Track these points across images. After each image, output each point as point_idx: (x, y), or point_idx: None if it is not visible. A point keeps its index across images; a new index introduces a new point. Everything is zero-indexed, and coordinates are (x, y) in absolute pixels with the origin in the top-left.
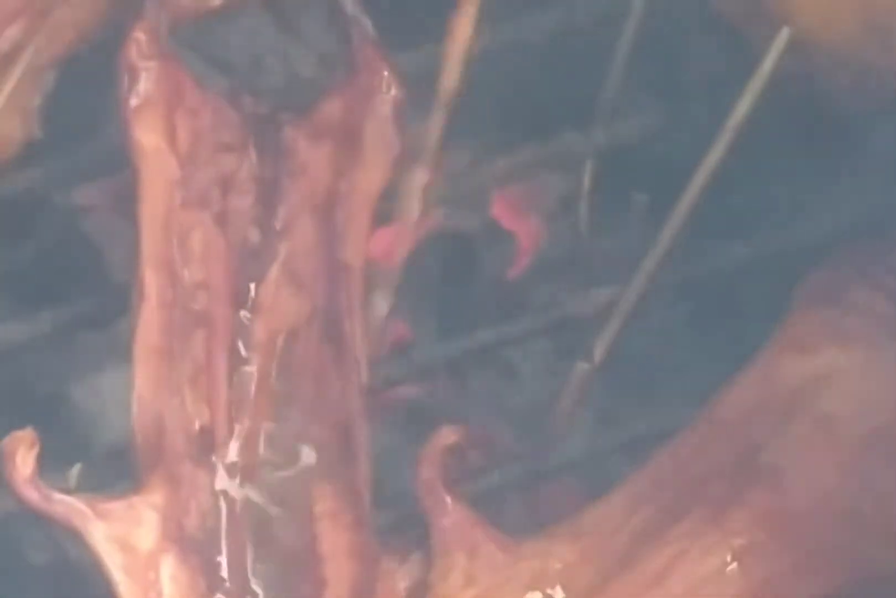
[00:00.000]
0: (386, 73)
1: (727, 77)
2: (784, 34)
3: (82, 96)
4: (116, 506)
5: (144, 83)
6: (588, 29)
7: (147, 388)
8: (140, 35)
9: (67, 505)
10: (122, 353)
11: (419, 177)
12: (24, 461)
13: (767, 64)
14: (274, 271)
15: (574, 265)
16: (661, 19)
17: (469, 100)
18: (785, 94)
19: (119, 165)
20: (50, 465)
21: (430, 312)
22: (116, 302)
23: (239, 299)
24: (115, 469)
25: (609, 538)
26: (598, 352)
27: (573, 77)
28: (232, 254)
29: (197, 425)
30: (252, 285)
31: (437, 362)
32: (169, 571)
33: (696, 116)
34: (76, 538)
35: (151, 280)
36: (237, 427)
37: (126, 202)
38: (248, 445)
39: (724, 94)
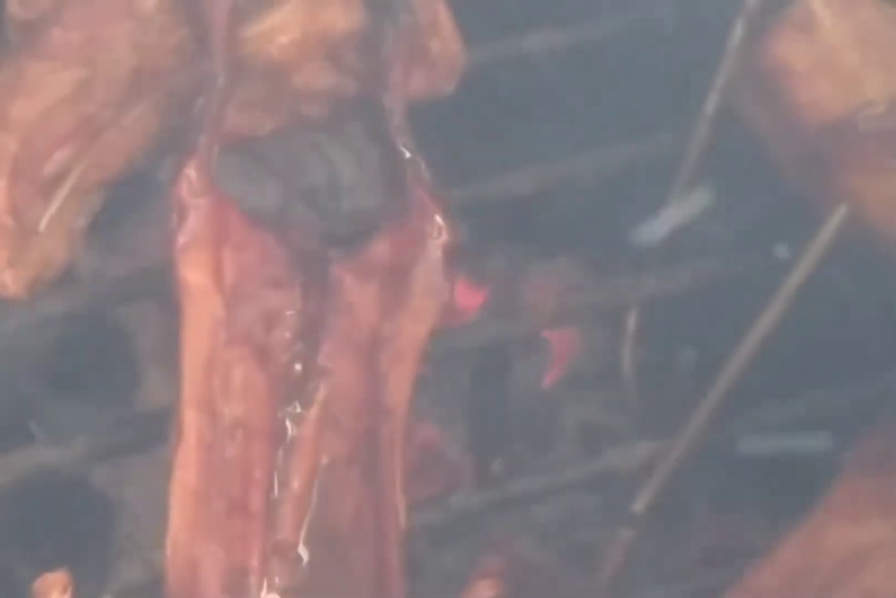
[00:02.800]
0: (438, 218)
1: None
2: (841, 212)
3: (124, 220)
4: None
5: (193, 220)
6: (643, 171)
7: (183, 531)
8: (191, 172)
9: None
10: (152, 485)
11: None
12: None
13: (824, 236)
14: (314, 410)
15: (616, 416)
16: (720, 170)
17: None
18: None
19: (156, 288)
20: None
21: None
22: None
23: (277, 437)
24: None
25: None
26: (640, 517)
27: (624, 217)
28: (273, 390)
29: (230, 569)
30: (290, 424)
31: (471, 508)
32: None
33: (753, 271)
34: None
35: (191, 419)
36: (271, 568)
37: (160, 327)
38: (282, 587)
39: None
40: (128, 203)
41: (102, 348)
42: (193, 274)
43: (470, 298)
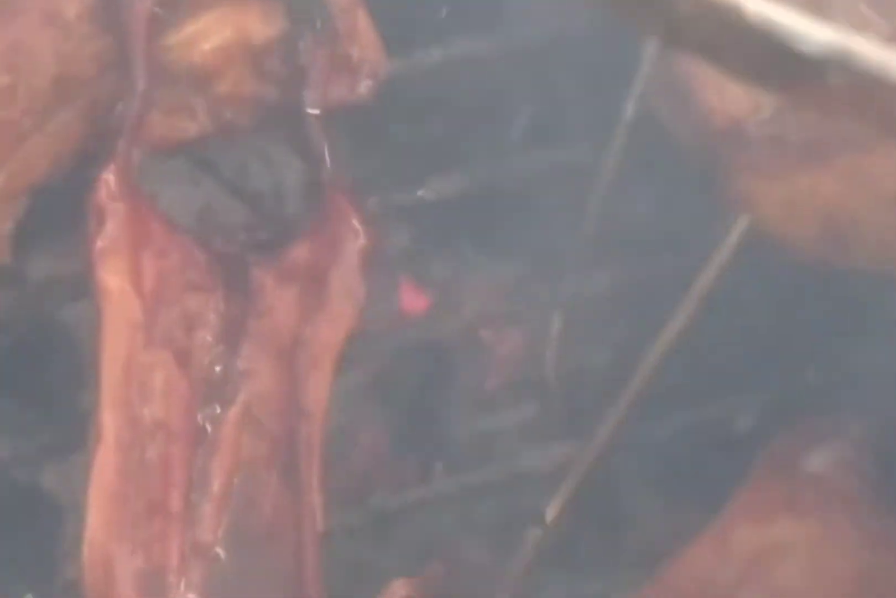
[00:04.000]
0: (355, 221)
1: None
2: (743, 222)
3: (51, 224)
4: None
5: (111, 225)
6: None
7: (99, 532)
8: (110, 176)
9: None
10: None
11: None
12: None
13: (726, 249)
14: (234, 412)
15: (536, 418)
16: (636, 175)
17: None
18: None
19: (83, 292)
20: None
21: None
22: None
23: (196, 439)
24: None
25: None
26: (550, 516)
27: (546, 224)
28: (193, 392)
29: (147, 570)
30: (210, 425)
31: (389, 509)
32: None
33: (662, 276)
34: None
35: (109, 421)
36: (190, 568)
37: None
38: (201, 586)
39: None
40: (54, 209)
41: (46, 350)
42: (112, 278)
43: (415, 301)
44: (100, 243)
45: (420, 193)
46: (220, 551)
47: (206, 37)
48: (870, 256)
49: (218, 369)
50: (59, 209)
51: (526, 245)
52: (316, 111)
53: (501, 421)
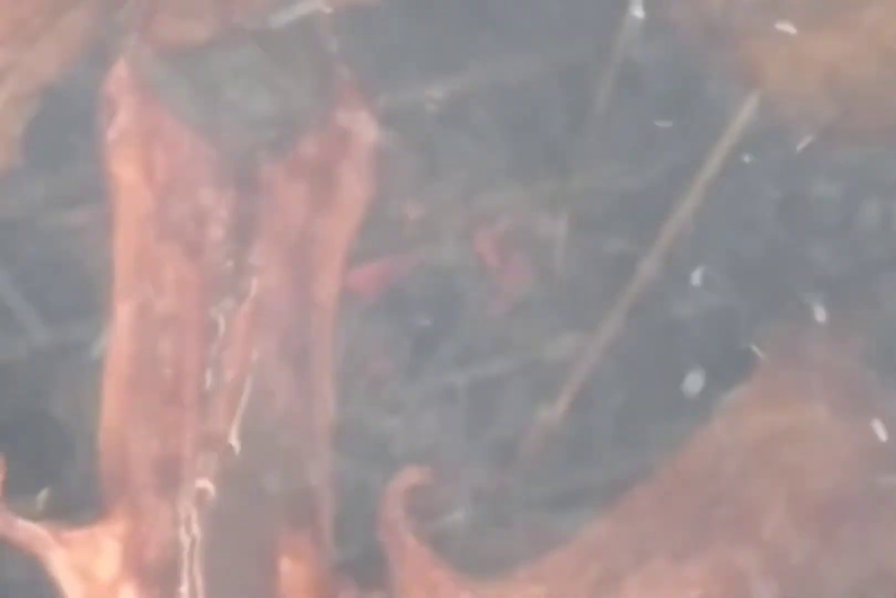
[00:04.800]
0: (364, 114)
1: (698, 130)
2: (754, 97)
3: (62, 125)
4: (78, 535)
5: (123, 117)
6: (567, 75)
7: (115, 418)
8: (121, 70)
9: (29, 532)
10: (93, 380)
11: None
12: None
13: (737, 123)
14: (246, 305)
15: (547, 309)
16: (639, 71)
17: (459, 137)
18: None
19: (98, 193)
20: (19, 486)
21: (409, 345)
22: (76, 334)
23: (209, 332)
24: (81, 498)
25: (569, 584)
26: (562, 400)
27: (554, 121)
28: (205, 287)
29: (162, 457)
30: (222, 318)
31: (410, 397)
32: None
33: (669, 166)
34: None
35: (123, 311)
36: (203, 457)
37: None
38: (214, 476)
39: (695, 147)
40: (64, 109)
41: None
42: (123, 169)
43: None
44: (111, 135)
45: (428, 91)
46: (233, 441)
47: None
48: (869, 114)
49: (230, 264)
50: (70, 110)
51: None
52: (328, 9)
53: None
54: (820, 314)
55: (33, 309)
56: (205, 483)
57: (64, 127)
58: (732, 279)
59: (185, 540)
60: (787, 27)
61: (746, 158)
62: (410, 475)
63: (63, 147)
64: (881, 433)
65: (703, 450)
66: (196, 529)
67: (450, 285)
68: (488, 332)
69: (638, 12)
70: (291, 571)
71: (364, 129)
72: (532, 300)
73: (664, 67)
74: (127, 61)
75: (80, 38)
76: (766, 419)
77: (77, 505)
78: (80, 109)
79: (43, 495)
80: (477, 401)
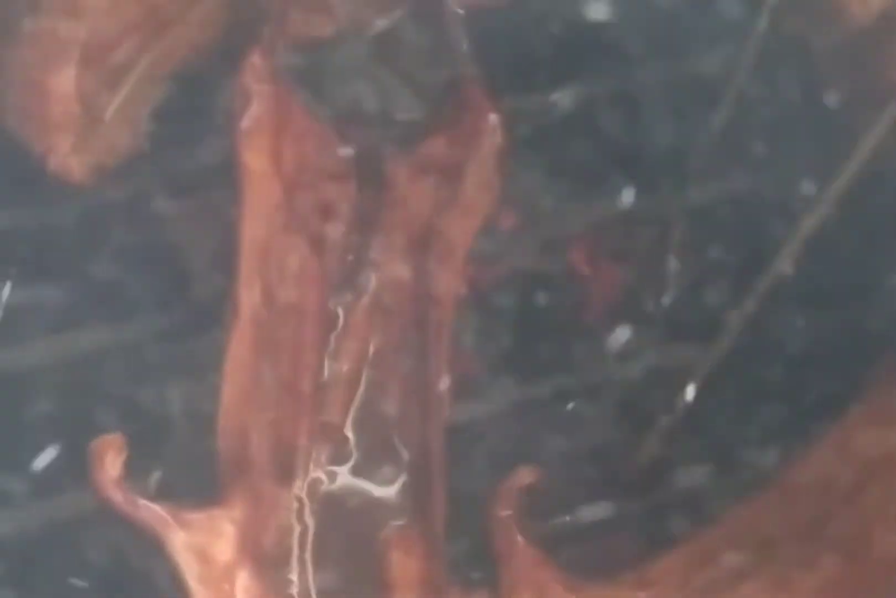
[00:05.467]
0: (492, 115)
1: (824, 147)
2: (892, 110)
3: (188, 112)
4: (197, 517)
5: (256, 106)
6: (690, 88)
7: (234, 402)
8: (256, 59)
9: (150, 511)
10: (202, 366)
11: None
12: (112, 465)
13: (871, 139)
14: (365, 299)
15: (656, 317)
16: (764, 87)
17: (565, 145)
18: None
19: (214, 181)
20: (128, 470)
21: (504, 351)
22: (200, 317)
23: (328, 324)
24: (193, 479)
25: (676, 590)
26: (680, 406)
27: (672, 132)
28: (325, 279)
29: (279, 445)
30: (342, 311)
31: (512, 401)
32: (243, 584)
33: (792, 182)
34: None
35: (247, 299)
36: (318, 448)
37: (215, 218)
38: (330, 467)
39: (820, 164)
40: (192, 97)
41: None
42: (254, 158)
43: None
44: (244, 123)
45: (553, 97)
46: (348, 433)
47: None
48: None
49: (350, 257)
50: (198, 96)
51: (647, 154)
52: (460, 10)
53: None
54: None
55: (144, 294)
56: (319, 473)
57: (190, 115)
58: (845, 298)
59: (297, 528)
60: None
61: (876, 175)
62: (523, 475)
63: (187, 135)
64: None
65: (815, 465)
66: (309, 518)
67: (540, 291)
68: (591, 338)
69: (764, 27)
70: (401, 564)
71: (491, 131)
72: (642, 311)
73: (790, 82)
74: (262, 51)
75: (212, 27)
76: (879, 437)
77: (187, 489)
78: (207, 97)
79: (155, 477)
80: (589, 406)
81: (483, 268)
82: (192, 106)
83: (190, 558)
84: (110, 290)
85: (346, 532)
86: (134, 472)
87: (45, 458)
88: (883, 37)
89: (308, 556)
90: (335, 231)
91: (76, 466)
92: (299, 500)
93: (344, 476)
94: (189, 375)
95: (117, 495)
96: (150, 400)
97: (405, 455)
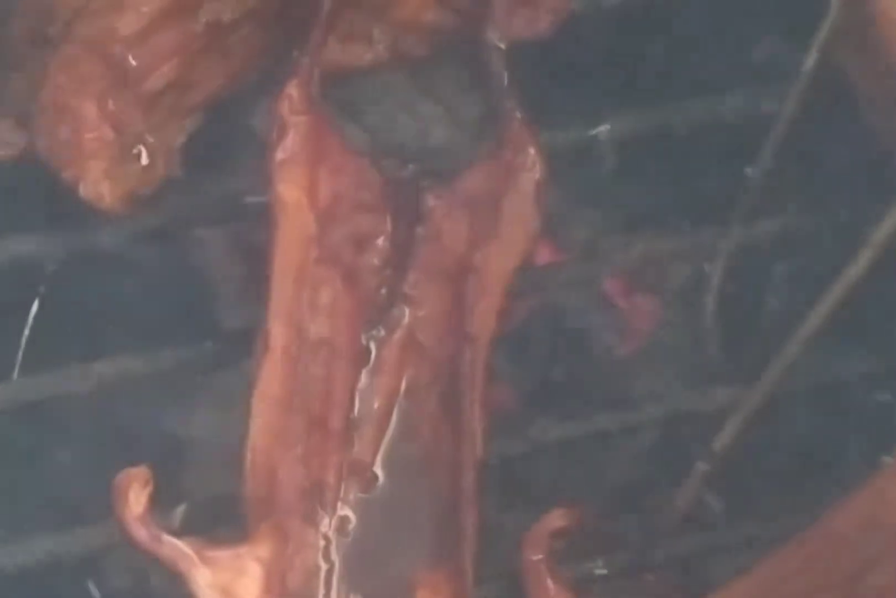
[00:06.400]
0: (532, 150)
1: (873, 188)
2: None
3: (221, 140)
4: (222, 554)
5: (292, 138)
6: (735, 125)
7: (262, 438)
8: (293, 91)
9: (174, 548)
10: (230, 399)
11: None
12: (137, 499)
13: None
14: (398, 335)
15: (694, 358)
16: (810, 124)
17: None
18: None
19: (246, 212)
20: (158, 503)
21: (538, 385)
22: (230, 349)
23: (360, 359)
24: (218, 514)
25: None
26: (718, 453)
27: (715, 169)
28: (358, 314)
29: (308, 481)
30: (374, 346)
31: (549, 440)
32: None
33: (840, 223)
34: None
35: (278, 332)
36: (347, 486)
37: (247, 249)
38: (356, 505)
39: (868, 206)
40: (226, 127)
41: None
42: (289, 190)
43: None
44: (280, 155)
45: (594, 132)
46: (377, 472)
47: None
48: None
49: (384, 291)
50: (232, 126)
51: (690, 192)
52: (501, 44)
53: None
54: None
55: (174, 324)
56: (346, 511)
57: (224, 144)
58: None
59: (323, 567)
60: None
61: None
62: (555, 518)
63: (221, 164)
64: None
65: (856, 513)
66: (335, 556)
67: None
68: (630, 378)
69: (812, 64)
70: None
71: (531, 166)
72: (678, 350)
73: (841, 123)
74: (299, 82)
75: (248, 55)
76: None
77: (212, 523)
78: (240, 126)
79: (180, 510)
80: (620, 445)
81: (518, 301)
82: (226, 135)
83: (214, 596)
84: (140, 318)
85: (372, 572)
86: (160, 503)
87: (71, 488)
88: None
89: (334, 595)
90: (369, 264)
91: (103, 497)
92: (326, 538)
93: (372, 515)
94: (217, 406)
95: (141, 532)
96: (177, 431)
97: (436, 495)
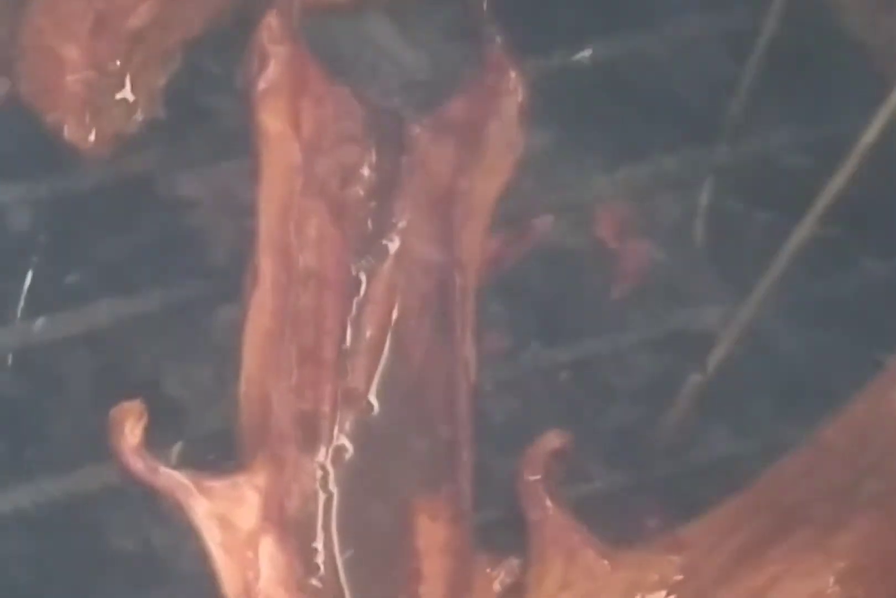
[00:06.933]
0: (513, 74)
1: (856, 100)
2: None
3: (204, 80)
4: (220, 484)
5: (273, 68)
6: (716, 43)
7: (256, 369)
8: (272, 20)
9: (172, 479)
10: (224, 337)
11: None
12: (132, 432)
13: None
14: (387, 265)
15: (686, 281)
16: (795, 39)
17: (586, 111)
18: None
19: (232, 150)
20: (150, 442)
21: (532, 324)
22: (221, 287)
23: (350, 290)
24: (214, 451)
25: (709, 554)
26: (712, 365)
27: (698, 90)
28: (346, 244)
29: (303, 410)
30: (364, 277)
31: (543, 369)
32: (267, 551)
33: (823, 136)
34: (163, 522)
35: (267, 264)
36: (342, 415)
37: (235, 188)
38: (353, 433)
39: (852, 117)
40: (210, 63)
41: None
42: (272, 120)
43: None
44: (261, 85)
45: (577, 56)
46: (372, 400)
47: None
48: None
49: (371, 221)
50: (216, 62)
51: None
52: None
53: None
54: None
55: (164, 265)
56: (343, 441)
57: (208, 81)
58: (886, 253)
59: (321, 495)
60: None
61: None
62: (551, 440)
63: (204, 101)
64: None
65: (849, 423)
66: (333, 485)
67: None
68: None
69: None
70: (428, 530)
71: (513, 89)
72: (671, 272)
73: (821, 41)
74: (279, 12)
75: None
76: None
77: (209, 461)
78: (225, 63)
79: (177, 448)
80: (616, 370)
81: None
82: (210, 72)
83: (213, 525)
84: (129, 262)
85: (371, 499)
86: (156, 443)
87: (66, 427)
88: None
89: (333, 523)
90: (355, 195)
91: (99, 438)
92: (323, 467)
93: (368, 443)
94: (211, 345)
95: (137, 463)
96: (172, 372)
97: (431, 421)
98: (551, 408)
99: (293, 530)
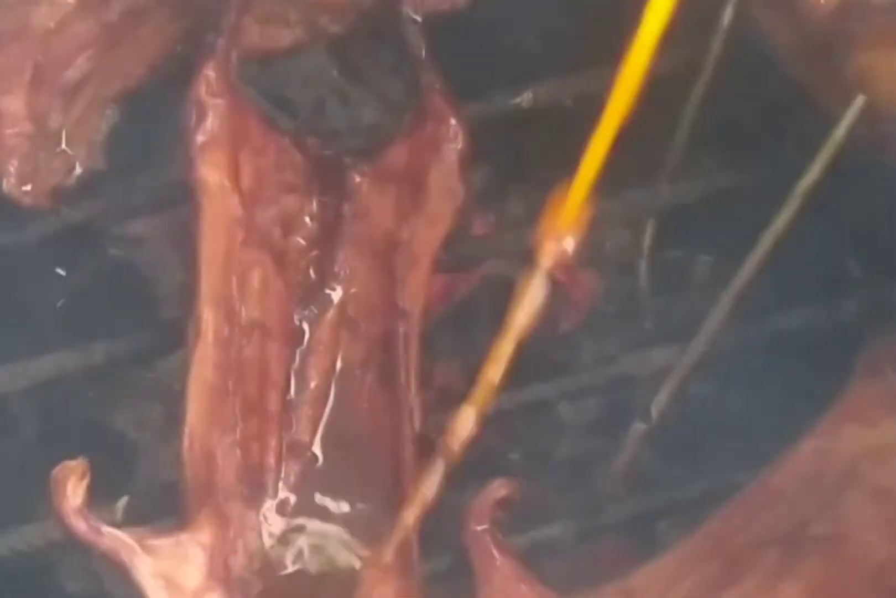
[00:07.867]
0: (454, 121)
1: (797, 140)
2: (859, 102)
3: (144, 130)
4: (164, 542)
5: (212, 120)
6: (656, 85)
7: (199, 424)
8: (210, 72)
9: (115, 539)
10: (170, 389)
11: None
12: (75, 492)
13: (840, 130)
14: (331, 313)
15: (630, 323)
16: (732, 80)
17: (528, 149)
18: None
19: (175, 199)
20: (94, 496)
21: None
22: (166, 338)
23: (293, 340)
24: (160, 504)
25: None
26: (655, 412)
27: (639, 132)
28: (289, 294)
29: (248, 465)
30: (307, 327)
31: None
32: None
33: (765, 178)
34: (114, 570)
35: (209, 317)
36: (287, 469)
37: (179, 237)
38: (297, 488)
39: (793, 158)
40: (149, 114)
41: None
42: (211, 173)
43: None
44: (200, 138)
45: (517, 100)
46: (317, 451)
47: None
48: None
49: (313, 271)
50: (152, 114)
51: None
52: (417, 17)
53: (595, 332)
54: None
55: (109, 317)
56: (287, 493)
57: (146, 133)
58: (829, 292)
59: (269, 550)
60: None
61: (847, 168)
62: (497, 488)
63: (145, 153)
64: None
65: (797, 464)
66: (279, 539)
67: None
68: (568, 346)
69: (728, 21)
70: (379, 583)
71: (453, 137)
72: (615, 314)
73: (758, 77)
74: (216, 64)
75: (165, 43)
76: (858, 437)
77: (155, 514)
78: (162, 114)
79: (122, 503)
80: (563, 415)
81: (456, 277)
82: (149, 123)
83: (158, 585)
84: (74, 313)
85: (316, 553)
86: (100, 498)
87: (10, 486)
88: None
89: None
90: (297, 245)
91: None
92: (270, 521)
93: (312, 496)
94: (156, 398)
95: (80, 524)
96: (116, 425)
97: (377, 471)
98: (497, 455)
99: (238, 587)
